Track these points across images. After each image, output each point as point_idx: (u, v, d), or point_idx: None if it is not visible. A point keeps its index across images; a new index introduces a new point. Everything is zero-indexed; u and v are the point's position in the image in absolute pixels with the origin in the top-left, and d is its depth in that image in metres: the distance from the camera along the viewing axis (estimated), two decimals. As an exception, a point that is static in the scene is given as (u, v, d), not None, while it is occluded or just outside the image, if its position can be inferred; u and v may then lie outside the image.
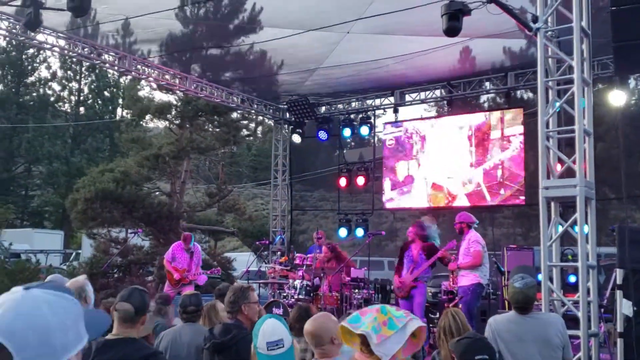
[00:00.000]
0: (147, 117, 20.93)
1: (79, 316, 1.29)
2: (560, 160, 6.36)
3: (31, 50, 37.97)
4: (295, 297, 9.64)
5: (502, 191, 11.73)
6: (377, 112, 14.37)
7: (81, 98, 41.53)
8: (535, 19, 6.21)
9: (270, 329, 2.60)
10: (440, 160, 12.54)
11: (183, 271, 10.61)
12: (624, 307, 5.41)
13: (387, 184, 13.35)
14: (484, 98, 16.27)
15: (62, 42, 10.78)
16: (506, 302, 8.84)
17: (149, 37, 10.94)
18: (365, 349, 2.01)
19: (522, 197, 11.62)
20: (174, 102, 18.81)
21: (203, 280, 10.82)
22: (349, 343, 2.09)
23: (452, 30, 5.97)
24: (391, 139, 13.32)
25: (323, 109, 14.51)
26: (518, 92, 13.03)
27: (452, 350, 3.49)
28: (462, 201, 12.14)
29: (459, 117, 12.67)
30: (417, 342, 2.07)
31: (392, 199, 13.29)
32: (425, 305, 9.15)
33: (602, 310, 7.30)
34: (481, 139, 12.05)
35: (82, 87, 41.50)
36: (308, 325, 3.07)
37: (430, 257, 8.88)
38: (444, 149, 12.51)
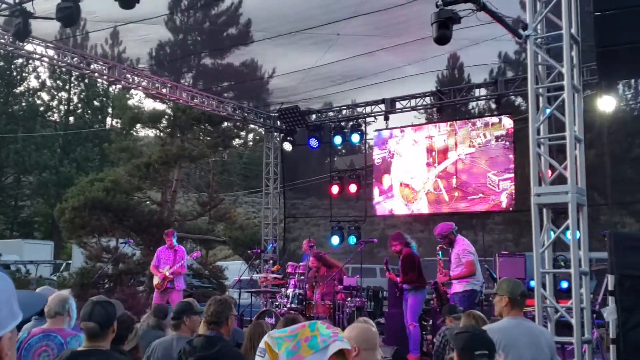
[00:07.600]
0: (138, 125, 20.82)
1: (12, 294, 1.33)
2: (551, 167, 6.38)
3: (20, 60, 37.77)
4: (288, 306, 9.58)
5: (491, 197, 11.76)
6: (368, 119, 14.39)
7: (70, 107, 41.32)
8: (524, 27, 6.23)
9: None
10: (427, 168, 12.57)
11: (166, 270, 10.59)
12: (608, 313, 5.41)
13: (376, 191, 13.37)
14: (474, 104, 16.29)
15: (51, 52, 10.73)
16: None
17: (138, 46, 10.91)
18: None
19: (512, 203, 11.65)
20: (167, 111, 18.72)
21: (180, 285, 10.77)
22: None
23: (442, 38, 5.98)
24: (379, 159, 13.40)
25: (314, 116, 14.51)
26: (510, 98, 13.05)
27: (451, 343, 3.42)
28: (453, 207, 12.16)
29: (448, 124, 12.69)
30: None
31: (380, 204, 13.34)
32: (417, 311, 9.12)
33: (595, 315, 7.30)
34: (470, 145, 12.08)
35: (71, 96, 41.27)
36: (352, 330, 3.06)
37: (404, 269, 9.08)
38: (433, 155, 12.54)
